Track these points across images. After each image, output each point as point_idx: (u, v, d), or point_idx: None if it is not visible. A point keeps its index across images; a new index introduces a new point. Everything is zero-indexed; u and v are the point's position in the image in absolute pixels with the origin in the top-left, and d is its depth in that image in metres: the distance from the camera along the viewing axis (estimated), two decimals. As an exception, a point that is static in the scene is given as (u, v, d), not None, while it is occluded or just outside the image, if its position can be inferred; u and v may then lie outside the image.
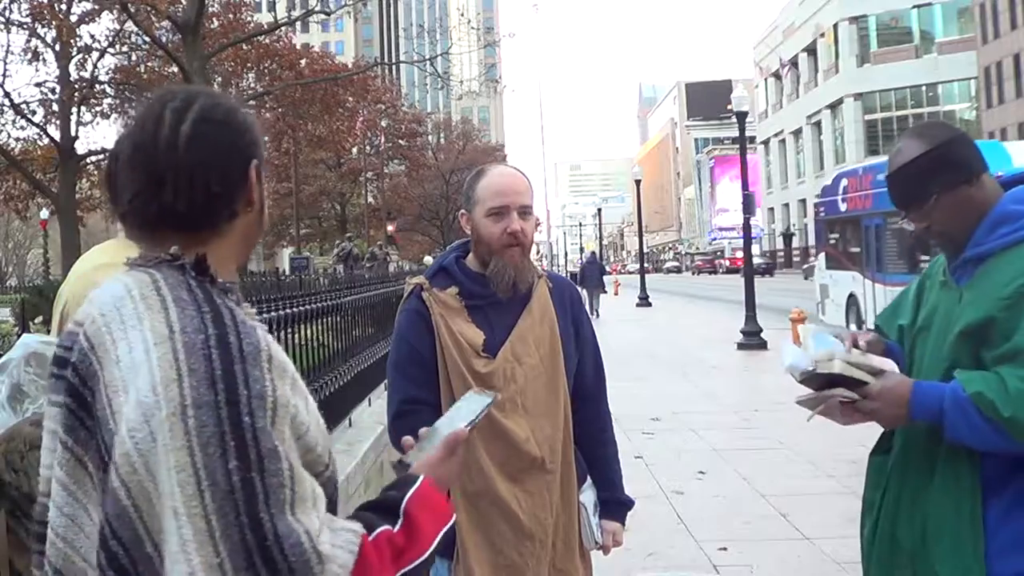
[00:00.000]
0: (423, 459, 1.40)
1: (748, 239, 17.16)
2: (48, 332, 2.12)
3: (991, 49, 54.47)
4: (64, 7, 21.67)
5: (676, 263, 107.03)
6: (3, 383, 1.75)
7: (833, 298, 16.50)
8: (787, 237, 76.75)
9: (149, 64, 25.13)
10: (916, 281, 2.19)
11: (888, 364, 1.98)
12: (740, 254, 28.54)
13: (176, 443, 1.06)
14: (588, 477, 2.38)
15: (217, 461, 1.06)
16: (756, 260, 74.54)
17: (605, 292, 31.05)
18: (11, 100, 22.62)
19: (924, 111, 62.12)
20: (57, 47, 22.72)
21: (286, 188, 45.01)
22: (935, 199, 1.91)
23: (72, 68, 23.89)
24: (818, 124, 73.72)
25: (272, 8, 48.04)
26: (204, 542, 1.05)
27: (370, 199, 47.36)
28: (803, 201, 78.36)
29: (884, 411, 1.92)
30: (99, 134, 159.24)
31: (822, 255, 17.78)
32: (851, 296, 15.37)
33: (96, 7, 21.83)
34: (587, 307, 23.30)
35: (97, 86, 24.71)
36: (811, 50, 74.23)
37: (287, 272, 5.34)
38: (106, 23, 23.72)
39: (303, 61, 25.87)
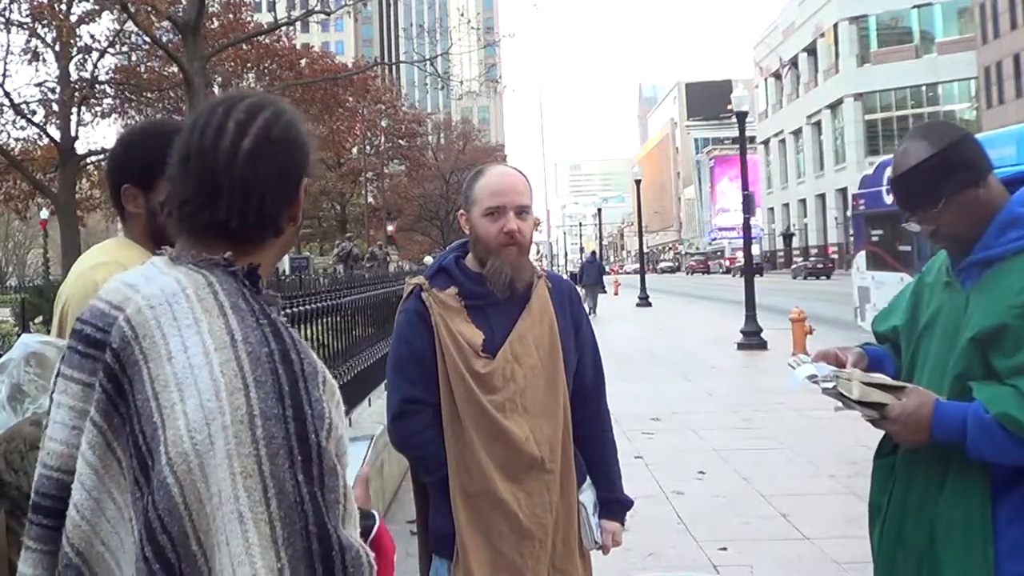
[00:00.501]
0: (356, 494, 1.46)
1: (748, 239, 17.15)
2: (48, 332, 2.11)
3: (991, 49, 54.47)
4: (64, 7, 21.66)
5: (670, 263, 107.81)
6: (3, 383, 1.75)
7: (875, 303, 14.42)
8: (787, 237, 76.76)
9: (149, 64, 25.14)
10: (913, 281, 2.18)
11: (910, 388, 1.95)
12: (740, 254, 28.53)
13: (243, 450, 1.09)
14: (587, 477, 2.37)
15: (286, 472, 1.10)
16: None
17: (604, 292, 31.12)
18: (11, 100, 22.62)
19: (924, 111, 62.13)
20: (57, 47, 22.72)
21: (286, 188, 45.02)
22: (943, 203, 1.89)
23: (72, 68, 23.89)
24: (818, 124, 73.73)
25: (272, 8, 48.03)
26: (267, 547, 1.09)
27: (370, 199, 47.37)
28: (803, 201, 78.43)
29: (904, 434, 1.91)
30: (99, 134, 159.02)
31: (861, 254, 15.97)
32: None
33: (96, 7, 21.82)
34: (586, 306, 23.59)
35: (97, 86, 24.71)
36: (811, 50, 74.24)
37: (287, 272, 5.33)
38: (106, 23, 23.76)
39: (303, 61, 25.90)
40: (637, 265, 34.02)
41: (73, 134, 23.49)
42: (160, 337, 1.16)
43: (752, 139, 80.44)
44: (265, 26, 24.09)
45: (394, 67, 61.39)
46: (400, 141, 49.39)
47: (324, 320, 5.09)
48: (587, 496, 2.35)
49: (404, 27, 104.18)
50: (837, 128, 70.22)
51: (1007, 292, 1.83)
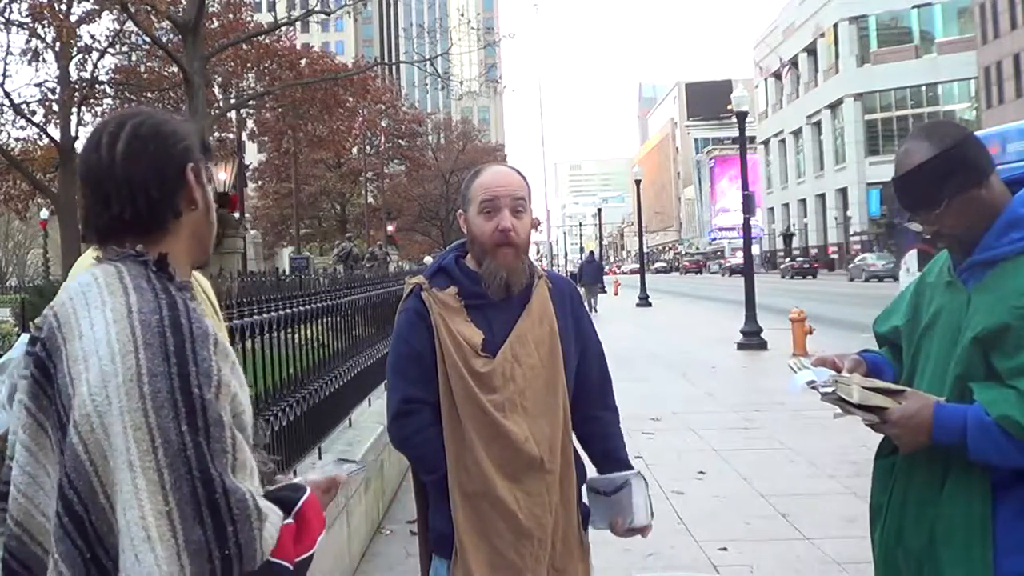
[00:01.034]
0: (312, 479, 1.56)
1: (748, 239, 17.14)
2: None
3: (991, 49, 54.46)
4: (64, 7, 21.64)
5: (663, 264, 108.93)
6: (3, 383, 1.78)
7: None
8: (787, 237, 76.77)
9: (149, 64, 25.12)
10: (913, 283, 2.18)
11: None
12: (740, 254, 28.58)
13: (132, 404, 1.21)
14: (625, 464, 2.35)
15: (170, 423, 1.21)
16: (738, 261, 76.66)
17: (604, 292, 31.24)
18: (11, 100, 22.61)
19: (924, 111, 62.13)
20: (57, 47, 22.69)
21: (286, 188, 45.02)
22: (945, 204, 1.88)
23: (72, 68, 23.87)
24: (818, 124, 73.71)
25: (272, 8, 48.01)
26: (155, 492, 1.19)
27: (370, 199, 47.35)
28: (803, 201, 78.43)
29: (905, 437, 1.91)
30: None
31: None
32: None
33: (96, 7, 21.81)
34: (586, 304, 23.90)
35: (97, 86, 24.68)
36: (811, 50, 74.22)
37: (287, 272, 5.33)
38: (106, 23, 23.72)
39: (303, 61, 25.86)
40: (634, 265, 34.19)
41: (73, 134, 23.47)
42: (75, 321, 1.31)
43: (752, 139, 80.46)
44: (265, 26, 24.06)
45: (394, 67, 61.40)
46: (400, 141, 49.40)
47: (324, 320, 5.09)
48: (638, 480, 2.28)
49: (404, 27, 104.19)
50: (837, 128, 70.20)
51: (1010, 292, 1.83)
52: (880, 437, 2.14)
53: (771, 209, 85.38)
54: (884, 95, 65.53)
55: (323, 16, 23.98)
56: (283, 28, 24.21)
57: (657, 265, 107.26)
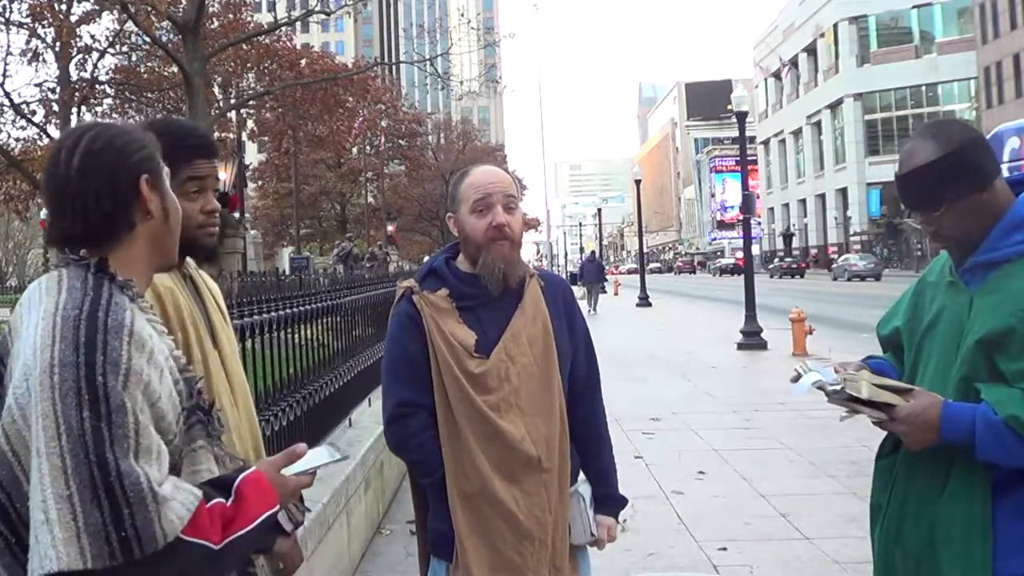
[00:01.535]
0: (266, 461, 1.61)
1: (748, 239, 17.12)
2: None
3: (991, 49, 54.45)
4: (64, 7, 21.65)
5: (658, 264, 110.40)
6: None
7: None
8: (787, 237, 76.78)
9: (149, 64, 25.12)
10: (914, 283, 2.17)
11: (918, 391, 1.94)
12: (740, 254, 28.62)
13: (43, 395, 1.28)
14: (580, 471, 2.36)
15: (73, 410, 1.27)
16: (726, 261, 77.99)
17: (605, 292, 31.31)
18: (11, 100, 22.59)
19: (924, 111, 62.14)
20: (57, 47, 22.69)
21: (286, 188, 45.00)
22: (946, 206, 1.87)
23: (72, 68, 23.87)
24: (818, 124, 73.73)
25: (272, 8, 48.02)
26: (57, 476, 1.25)
27: (370, 199, 47.34)
28: (803, 201, 78.44)
29: (913, 435, 1.90)
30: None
31: None
32: None
33: (96, 7, 21.81)
34: (587, 304, 24.08)
35: (97, 86, 24.68)
36: (811, 50, 74.24)
37: (287, 272, 5.33)
38: (106, 23, 23.72)
39: (303, 61, 25.84)
40: (632, 265, 34.31)
41: (73, 134, 23.45)
42: (20, 324, 1.40)
43: (752, 139, 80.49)
44: (265, 26, 24.06)
45: (394, 67, 61.38)
46: (400, 141, 49.37)
47: (324, 320, 5.09)
48: (584, 489, 2.34)
49: (404, 27, 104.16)
50: (837, 128, 70.22)
51: (1013, 295, 1.82)
52: (880, 438, 2.14)
53: (771, 209, 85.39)
54: (884, 95, 65.55)
55: (323, 16, 23.96)
56: (283, 28, 24.21)
57: (652, 265, 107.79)
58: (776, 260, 64.54)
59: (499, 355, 2.19)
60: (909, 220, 2.06)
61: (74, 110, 23.79)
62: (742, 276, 16.35)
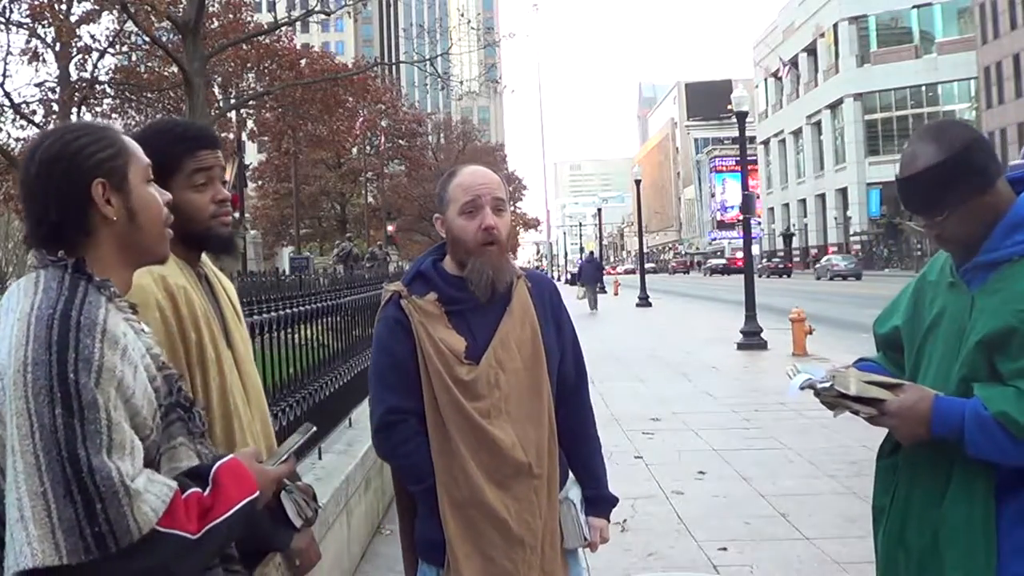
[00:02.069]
0: (244, 451, 1.62)
1: (748, 239, 17.11)
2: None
3: (991, 49, 54.45)
4: (64, 7, 21.62)
5: (652, 264, 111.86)
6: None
7: None
8: (787, 237, 76.79)
9: (149, 64, 25.09)
10: (913, 281, 2.16)
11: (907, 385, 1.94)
12: (741, 254, 28.65)
13: (17, 393, 1.29)
14: (570, 474, 2.36)
15: (45, 408, 1.28)
16: (718, 261, 79.84)
17: (605, 292, 31.43)
18: (11, 100, 22.57)
19: (924, 111, 62.15)
20: (57, 47, 22.67)
21: (286, 188, 44.98)
22: (949, 211, 1.85)
23: (72, 68, 23.83)
24: (818, 124, 73.73)
25: (272, 8, 48.00)
26: (32, 474, 1.26)
27: (370, 199, 47.32)
28: (803, 201, 78.43)
29: (903, 428, 1.90)
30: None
31: None
32: None
33: (96, 7, 21.80)
34: (586, 302, 24.24)
35: (97, 86, 24.65)
36: (811, 50, 74.24)
37: (287, 272, 5.33)
38: (106, 23, 23.67)
39: (303, 61, 25.82)
40: (629, 266, 34.40)
41: (73, 134, 23.43)
42: (1, 327, 1.40)
43: (752, 139, 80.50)
44: (265, 26, 24.04)
45: (394, 67, 61.33)
46: (400, 141, 49.33)
47: (324, 320, 5.09)
48: (574, 492, 2.33)
49: (404, 27, 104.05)
50: (837, 128, 70.22)
51: (1014, 296, 1.82)
52: (881, 438, 2.14)
53: (771, 209, 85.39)
54: (884, 95, 65.56)
55: (323, 16, 23.92)
56: (283, 28, 24.19)
57: (647, 266, 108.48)
58: (764, 261, 66.85)
59: (488, 361, 2.18)
60: (911, 223, 2.02)
61: (74, 110, 23.76)
62: (732, 276, 16.43)
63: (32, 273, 1.46)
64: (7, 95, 22.38)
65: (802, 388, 2.03)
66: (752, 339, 14.64)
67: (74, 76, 23.97)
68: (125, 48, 24.77)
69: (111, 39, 23.87)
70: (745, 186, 16.86)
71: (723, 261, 75.05)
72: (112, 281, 1.46)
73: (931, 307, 2.03)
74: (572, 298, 24.96)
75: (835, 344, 13.38)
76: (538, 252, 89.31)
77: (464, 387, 2.15)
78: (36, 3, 20.53)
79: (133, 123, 24.34)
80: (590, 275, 28.40)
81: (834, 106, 69.87)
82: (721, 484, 6.12)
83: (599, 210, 63.80)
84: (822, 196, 73.30)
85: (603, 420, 4.08)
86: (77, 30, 21.85)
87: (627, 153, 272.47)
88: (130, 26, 21.86)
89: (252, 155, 46.99)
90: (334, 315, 5.38)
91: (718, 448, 7.22)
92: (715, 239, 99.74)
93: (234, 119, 27.43)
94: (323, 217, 52.31)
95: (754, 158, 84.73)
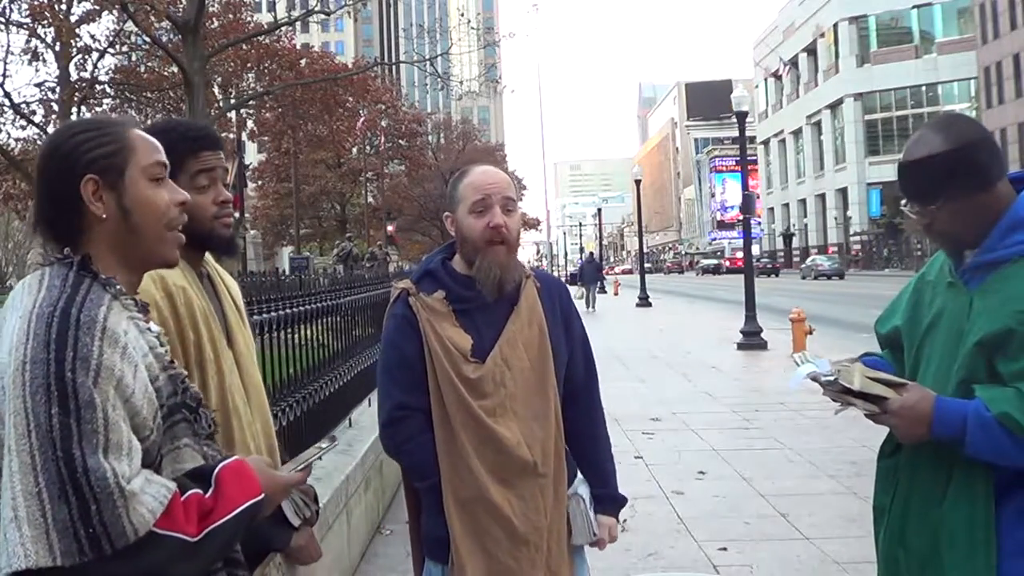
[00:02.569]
0: (255, 458, 1.62)
1: (748, 239, 17.12)
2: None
3: (991, 49, 54.45)
4: (64, 7, 21.63)
5: (648, 265, 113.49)
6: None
7: None
8: (787, 237, 76.79)
9: (149, 64, 25.10)
10: (912, 281, 2.16)
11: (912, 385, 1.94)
12: (740, 254, 28.68)
13: (16, 392, 1.28)
14: (579, 472, 2.36)
15: (42, 407, 1.27)
16: (709, 262, 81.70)
17: (604, 292, 31.60)
18: (11, 100, 22.58)
19: (924, 111, 62.15)
20: (57, 47, 22.68)
21: (286, 188, 44.98)
22: (942, 202, 1.85)
23: (72, 68, 23.83)
24: (818, 124, 73.72)
25: (272, 8, 47.98)
26: (27, 473, 1.25)
27: (370, 199, 47.31)
28: (803, 201, 78.43)
29: (903, 428, 1.90)
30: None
31: None
32: None
33: (96, 7, 21.80)
34: (585, 301, 24.51)
35: (97, 86, 24.66)
36: (811, 50, 74.24)
37: (287, 272, 5.34)
38: (106, 23, 23.69)
39: (303, 61, 25.83)
40: (626, 266, 34.55)
41: (73, 134, 23.41)
42: (3, 324, 1.40)
43: (752, 139, 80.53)
44: (265, 26, 24.04)
45: (394, 67, 61.32)
46: (400, 141, 49.31)
47: (324, 320, 5.09)
48: (583, 489, 2.33)
49: (404, 27, 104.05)
50: (837, 128, 70.23)
51: (1013, 296, 1.81)
52: (881, 439, 2.13)
53: (771, 209, 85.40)
54: (884, 95, 65.59)
55: (323, 16, 23.92)
56: (283, 28, 24.19)
57: (645, 266, 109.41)
58: (755, 262, 67.55)
59: (495, 360, 2.18)
60: (904, 207, 1.99)
61: (74, 110, 23.76)
62: (722, 276, 16.46)
63: (37, 271, 1.45)
64: (7, 95, 22.40)
65: (808, 378, 2.03)
66: (752, 339, 14.65)
67: (74, 76, 23.98)
68: (125, 48, 24.79)
69: (111, 39, 23.89)
70: (745, 186, 16.86)
71: (715, 262, 78.73)
72: (117, 279, 1.45)
73: (930, 307, 2.02)
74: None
75: (835, 344, 13.38)
76: (538, 252, 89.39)
77: (470, 385, 2.16)
78: (36, 3, 20.54)
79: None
80: (590, 275, 29.11)
81: (834, 106, 69.87)
82: (721, 484, 6.12)
83: (599, 210, 63.92)
84: (822, 196, 73.31)
85: (603, 420, 4.07)
86: (77, 30, 21.86)
87: (627, 153, 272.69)
88: (130, 26, 21.87)
89: (252, 155, 47.01)
90: (334, 315, 5.38)
91: (718, 448, 7.22)
92: (715, 239, 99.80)
93: (234, 119, 27.43)
94: (323, 217, 52.29)
95: (754, 158, 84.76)
